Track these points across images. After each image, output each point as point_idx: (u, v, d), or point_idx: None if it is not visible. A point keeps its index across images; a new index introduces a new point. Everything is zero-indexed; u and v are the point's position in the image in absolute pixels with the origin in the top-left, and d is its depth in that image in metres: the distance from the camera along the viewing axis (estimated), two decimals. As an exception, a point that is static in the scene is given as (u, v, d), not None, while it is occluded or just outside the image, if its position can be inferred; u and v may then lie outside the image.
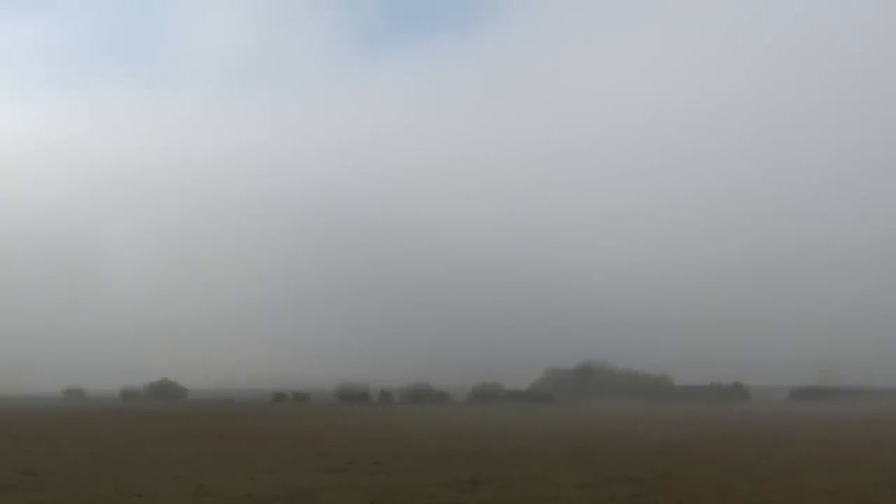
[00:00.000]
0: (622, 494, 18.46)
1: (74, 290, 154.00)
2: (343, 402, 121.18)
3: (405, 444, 33.66)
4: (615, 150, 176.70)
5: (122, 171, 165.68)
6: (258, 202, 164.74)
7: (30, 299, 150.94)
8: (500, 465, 24.37)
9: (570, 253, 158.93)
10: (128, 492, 18.76)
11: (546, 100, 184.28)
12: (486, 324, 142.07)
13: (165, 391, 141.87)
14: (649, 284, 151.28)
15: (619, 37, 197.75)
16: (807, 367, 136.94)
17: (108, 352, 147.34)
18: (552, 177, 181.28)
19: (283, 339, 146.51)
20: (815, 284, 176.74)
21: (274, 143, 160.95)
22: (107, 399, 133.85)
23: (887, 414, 70.70)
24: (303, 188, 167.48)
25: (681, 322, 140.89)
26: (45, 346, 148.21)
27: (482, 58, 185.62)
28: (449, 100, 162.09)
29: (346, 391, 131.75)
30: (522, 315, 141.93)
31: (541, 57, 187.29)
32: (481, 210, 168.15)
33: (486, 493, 18.74)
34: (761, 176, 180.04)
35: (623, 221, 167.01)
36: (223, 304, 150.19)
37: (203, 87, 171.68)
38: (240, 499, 17.90)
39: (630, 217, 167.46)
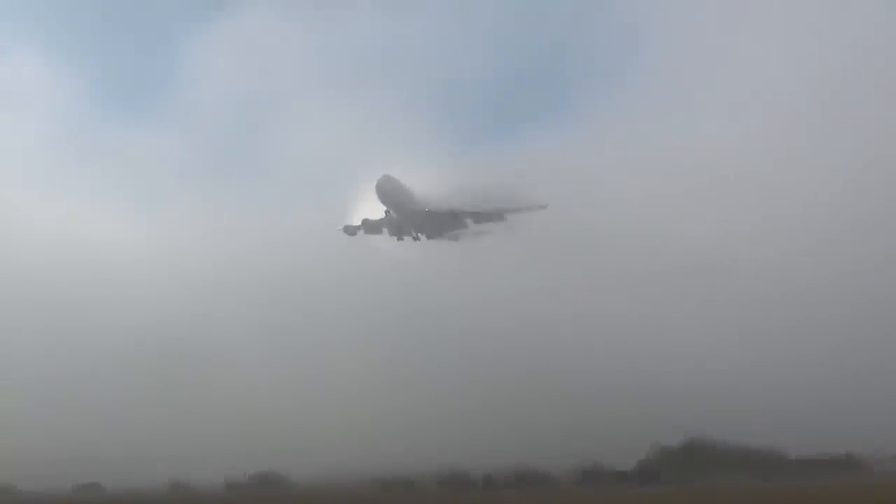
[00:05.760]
0: None
1: (179, 383, 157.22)
2: (446, 489, 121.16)
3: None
4: (705, 217, 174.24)
5: (229, 271, 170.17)
6: (358, 294, 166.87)
7: (136, 393, 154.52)
8: None
9: (669, 326, 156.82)
10: None
11: (635, 168, 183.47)
12: (587, 401, 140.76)
13: (270, 481, 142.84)
14: (752, 353, 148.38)
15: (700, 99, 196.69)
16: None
17: (211, 444, 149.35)
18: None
19: (385, 422, 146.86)
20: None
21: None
22: (211, 493, 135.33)
23: None
24: (401, 281, 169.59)
25: (789, 391, 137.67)
26: (149, 439, 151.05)
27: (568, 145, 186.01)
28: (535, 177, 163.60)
29: (449, 476, 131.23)
30: (625, 391, 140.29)
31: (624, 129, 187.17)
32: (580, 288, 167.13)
33: None
34: (857, 231, 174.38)
35: (721, 290, 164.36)
36: (325, 392, 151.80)
37: (290, 192, 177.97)
38: None
39: (728, 285, 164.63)
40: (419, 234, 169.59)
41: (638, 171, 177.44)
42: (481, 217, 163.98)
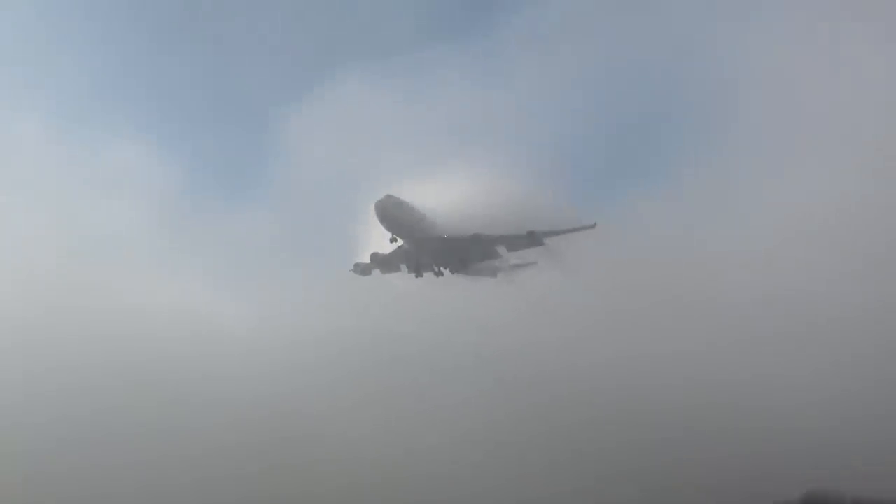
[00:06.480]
0: None
1: (290, 455, 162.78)
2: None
3: None
4: (806, 268, 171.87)
5: (332, 345, 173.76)
6: (461, 357, 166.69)
7: (247, 468, 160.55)
8: None
9: (785, 373, 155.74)
10: None
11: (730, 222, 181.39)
12: (697, 454, 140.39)
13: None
14: (864, 400, 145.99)
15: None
16: None
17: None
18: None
19: (472, 474, 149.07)
20: None
21: (471, 301, 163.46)
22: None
23: None
24: (504, 344, 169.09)
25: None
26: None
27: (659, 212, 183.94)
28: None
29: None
30: (737, 442, 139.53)
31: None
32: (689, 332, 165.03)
33: None
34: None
35: (832, 337, 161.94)
36: (425, 450, 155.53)
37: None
38: None
39: (837, 331, 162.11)
40: (441, 268, 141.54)
41: (733, 225, 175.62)
42: (514, 242, 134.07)
